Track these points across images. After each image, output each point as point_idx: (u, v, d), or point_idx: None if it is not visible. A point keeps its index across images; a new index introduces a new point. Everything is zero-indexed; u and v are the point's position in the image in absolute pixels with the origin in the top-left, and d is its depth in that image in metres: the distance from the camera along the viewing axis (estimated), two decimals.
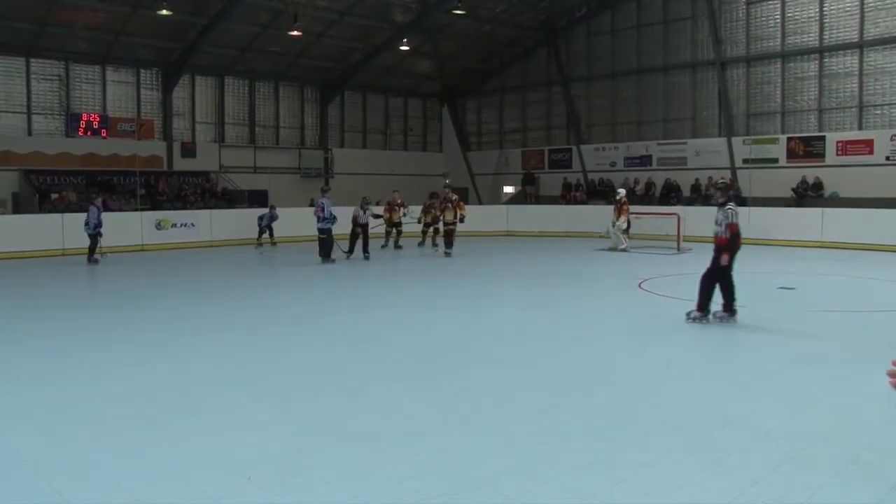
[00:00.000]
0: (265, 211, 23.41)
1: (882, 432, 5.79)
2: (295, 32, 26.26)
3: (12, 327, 10.41)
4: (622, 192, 22.41)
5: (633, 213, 21.66)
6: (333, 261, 17.95)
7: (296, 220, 23.28)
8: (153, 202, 25.29)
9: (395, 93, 34.35)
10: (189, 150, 28.57)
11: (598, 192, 29.44)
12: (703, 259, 15.55)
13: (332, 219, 17.90)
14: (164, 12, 23.60)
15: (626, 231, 21.40)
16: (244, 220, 23.76)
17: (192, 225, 23.14)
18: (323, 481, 4.80)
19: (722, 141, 27.14)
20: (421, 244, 22.28)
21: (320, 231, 18.07)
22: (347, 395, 6.85)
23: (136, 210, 23.33)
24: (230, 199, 27.70)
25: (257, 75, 30.23)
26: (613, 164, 30.30)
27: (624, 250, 20.76)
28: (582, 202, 29.25)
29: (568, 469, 4.94)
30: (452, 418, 6.17)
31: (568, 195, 30.46)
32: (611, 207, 22.50)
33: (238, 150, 29.95)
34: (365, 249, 19.10)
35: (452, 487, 4.68)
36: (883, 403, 5.97)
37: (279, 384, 7.29)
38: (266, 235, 23.01)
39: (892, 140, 23.64)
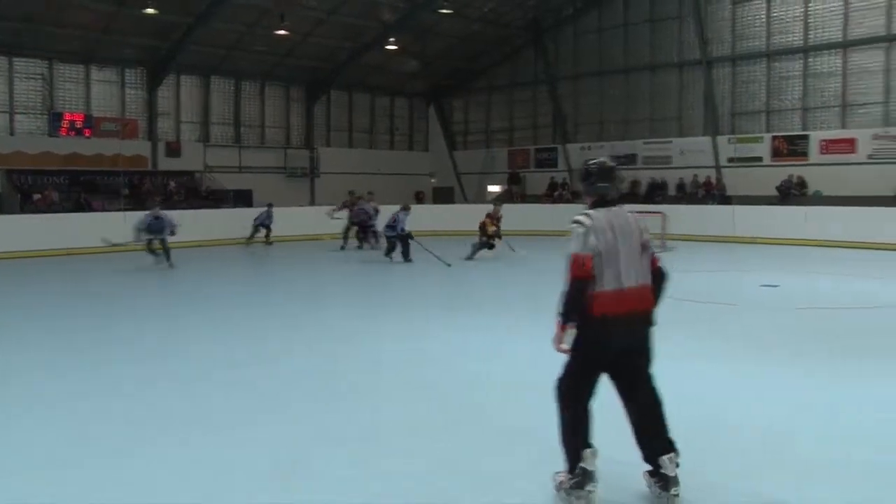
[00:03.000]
0: (262, 209, 23.24)
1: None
2: (282, 32, 26.20)
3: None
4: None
5: None
6: (411, 260, 17.93)
7: (283, 220, 23.29)
8: (137, 202, 25.11)
9: (381, 92, 34.31)
10: (174, 150, 28.42)
11: None
12: (687, 257, 15.66)
13: (402, 229, 18.06)
14: (150, 11, 23.47)
15: None
16: (234, 220, 23.76)
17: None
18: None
19: (707, 140, 27.25)
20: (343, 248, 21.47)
21: (390, 238, 18.30)
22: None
23: (119, 210, 23.15)
24: (215, 199, 27.58)
25: (243, 75, 30.13)
26: None
27: None
28: (568, 201, 29.29)
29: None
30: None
31: (553, 194, 30.53)
32: None
33: (223, 150, 29.84)
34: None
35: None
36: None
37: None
38: (261, 234, 22.81)
39: (874, 139, 23.80)
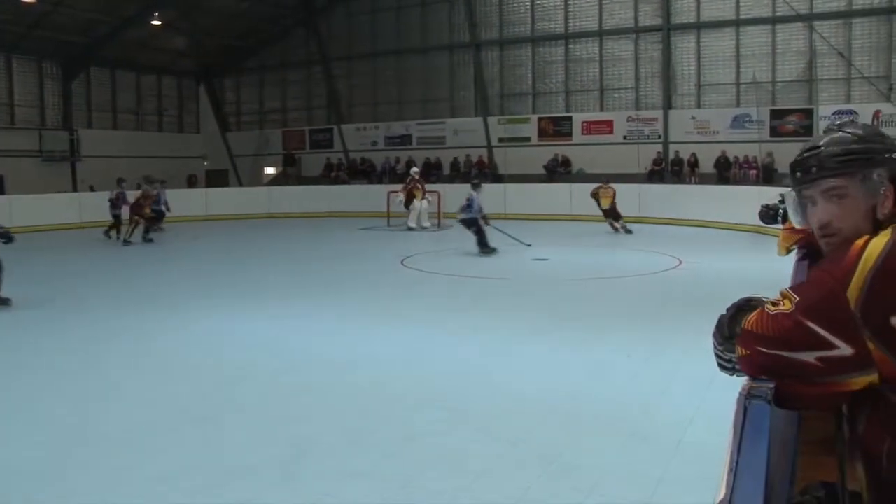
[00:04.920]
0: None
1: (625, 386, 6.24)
2: None
3: None
4: (415, 170, 22.82)
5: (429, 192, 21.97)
6: (495, 250, 15.32)
7: (37, 209, 21.48)
8: None
9: (147, 70, 32.37)
10: None
11: (361, 172, 29.61)
12: (461, 235, 16.10)
13: (479, 210, 15.29)
14: None
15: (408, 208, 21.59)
16: None
17: None
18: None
19: (478, 120, 28.13)
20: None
21: (466, 222, 15.39)
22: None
23: None
24: None
25: None
26: (375, 143, 30.51)
27: (412, 229, 21.01)
28: (344, 182, 29.26)
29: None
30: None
31: (330, 175, 30.34)
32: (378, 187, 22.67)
33: None
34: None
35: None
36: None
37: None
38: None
39: (628, 121, 25.63)
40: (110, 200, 19.23)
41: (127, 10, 27.35)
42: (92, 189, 23.69)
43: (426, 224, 21.44)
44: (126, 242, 18.19)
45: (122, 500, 4.30)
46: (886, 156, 1.55)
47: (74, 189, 27.66)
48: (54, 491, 4.43)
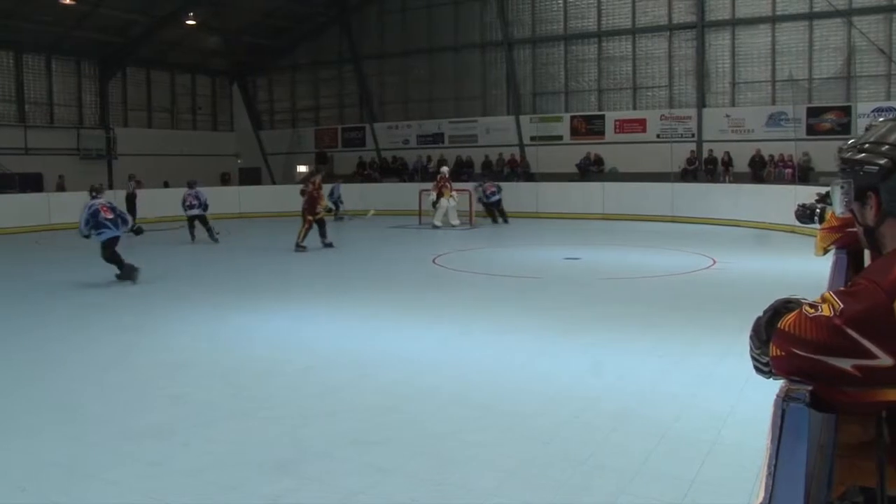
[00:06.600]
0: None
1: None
2: (67, 0, 24.28)
3: None
4: (445, 170, 22.84)
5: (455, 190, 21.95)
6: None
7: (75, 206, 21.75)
8: None
9: (182, 69, 32.71)
10: None
11: (392, 170, 29.71)
12: (494, 233, 16.06)
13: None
14: None
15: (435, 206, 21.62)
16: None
17: None
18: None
19: (510, 119, 28.08)
20: None
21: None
22: None
23: None
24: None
25: (24, 47, 27.66)
26: (406, 141, 30.59)
27: (437, 227, 21.05)
28: (376, 180, 29.37)
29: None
30: None
31: (362, 173, 30.47)
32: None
33: (6, 130, 27.27)
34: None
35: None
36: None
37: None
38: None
39: (661, 119, 25.42)
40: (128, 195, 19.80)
41: (162, 10, 27.68)
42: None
43: (454, 222, 21.42)
44: (299, 247, 16.02)
45: (156, 494, 4.35)
46: None
47: (111, 186, 28.01)
48: (86, 486, 4.50)
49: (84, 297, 11.08)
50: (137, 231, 12.73)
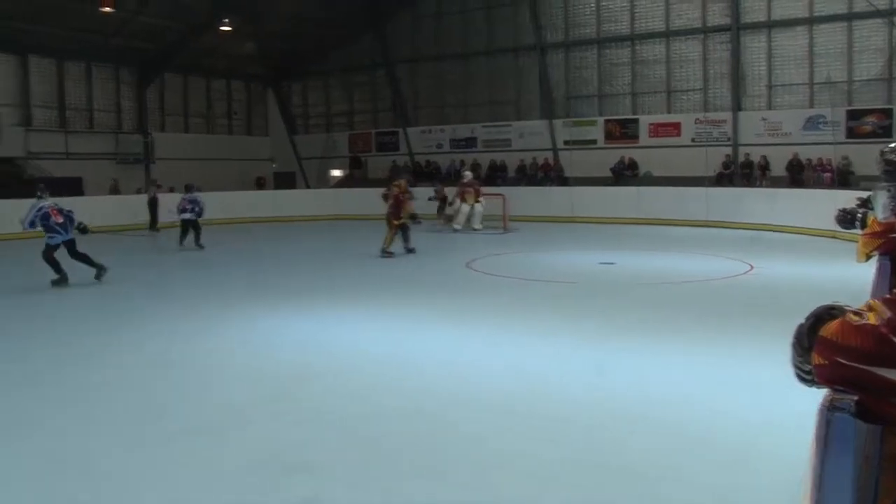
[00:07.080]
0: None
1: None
2: (106, 9, 24.68)
3: None
4: (468, 174, 22.83)
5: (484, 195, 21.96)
6: None
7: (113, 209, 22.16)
8: None
9: (217, 75, 33.09)
10: None
11: (426, 174, 29.79)
12: (528, 238, 16.03)
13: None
14: None
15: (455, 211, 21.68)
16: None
17: None
18: None
19: (544, 123, 28.00)
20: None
21: None
22: None
23: None
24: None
25: (66, 55, 28.16)
26: (440, 146, 30.63)
27: (456, 230, 21.07)
28: (410, 184, 29.40)
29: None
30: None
31: (396, 178, 30.55)
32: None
33: (47, 135, 27.75)
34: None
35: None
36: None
37: None
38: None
39: (696, 123, 25.22)
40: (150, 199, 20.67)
41: (197, 18, 28.06)
42: (171, 190, 24.29)
43: (477, 226, 21.36)
44: (385, 253, 15.67)
45: (188, 494, 4.40)
46: None
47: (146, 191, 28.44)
48: (120, 484, 4.55)
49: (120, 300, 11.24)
50: (83, 230, 12.40)
